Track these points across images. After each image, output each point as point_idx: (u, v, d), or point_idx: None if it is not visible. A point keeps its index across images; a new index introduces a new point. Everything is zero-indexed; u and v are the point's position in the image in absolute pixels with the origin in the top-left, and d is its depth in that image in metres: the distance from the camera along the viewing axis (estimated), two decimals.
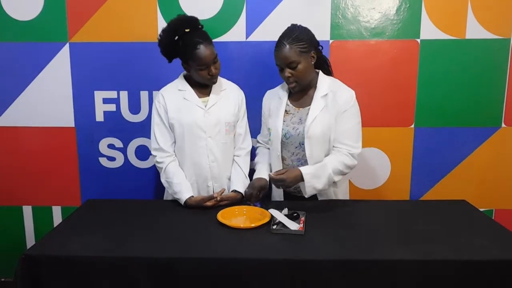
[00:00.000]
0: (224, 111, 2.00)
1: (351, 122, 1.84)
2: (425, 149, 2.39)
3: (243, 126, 2.09)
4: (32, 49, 2.31)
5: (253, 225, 1.65)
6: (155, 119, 2.00)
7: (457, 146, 2.39)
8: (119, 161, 2.44)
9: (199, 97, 1.99)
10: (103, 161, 2.43)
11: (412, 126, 2.36)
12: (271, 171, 1.98)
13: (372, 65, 2.31)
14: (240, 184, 2.01)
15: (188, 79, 1.99)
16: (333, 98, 1.83)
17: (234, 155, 2.09)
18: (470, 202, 1.95)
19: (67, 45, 2.30)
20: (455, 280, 1.38)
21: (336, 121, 1.83)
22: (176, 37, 1.86)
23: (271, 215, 1.69)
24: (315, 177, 1.78)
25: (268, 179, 1.95)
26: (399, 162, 2.42)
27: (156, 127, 2.00)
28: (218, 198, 1.88)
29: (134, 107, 2.37)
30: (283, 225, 1.63)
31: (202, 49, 1.84)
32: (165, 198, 2.12)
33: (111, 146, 2.42)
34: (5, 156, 2.44)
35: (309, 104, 1.88)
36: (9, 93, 2.36)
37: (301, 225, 1.63)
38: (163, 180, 2.01)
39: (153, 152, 2.02)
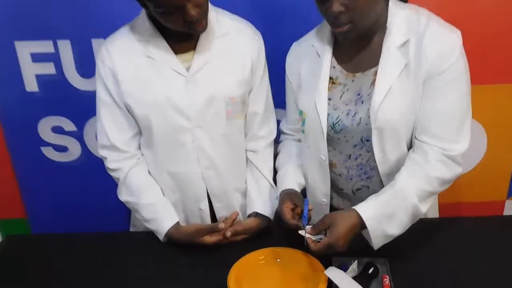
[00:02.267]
0: (224, 77, 1.08)
1: (451, 95, 0.94)
2: None
3: (262, 98, 1.17)
4: None
5: None
6: (99, 94, 1.11)
7: None
8: (73, 152, 1.59)
9: (177, 52, 1.06)
10: (49, 153, 1.59)
11: None
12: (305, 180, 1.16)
13: None
14: (263, 201, 1.16)
15: (156, 19, 1.04)
16: (419, 47, 0.94)
17: (247, 151, 1.20)
18: None
19: None
20: None
21: (424, 94, 0.95)
22: None
23: (328, 278, 0.87)
24: (386, 218, 0.92)
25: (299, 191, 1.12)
26: (500, 136, 1.55)
27: (103, 109, 1.11)
28: (228, 234, 1.03)
29: (85, 67, 1.46)
30: None
31: None
32: (132, 223, 1.28)
33: (57, 130, 1.56)
34: None
35: (375, 65, 0.99)
36: None
37: None
38: (123, 198, 1.16)
39: (100, 152, 1.15)
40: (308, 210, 0.98)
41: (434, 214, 1.20)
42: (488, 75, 1.49)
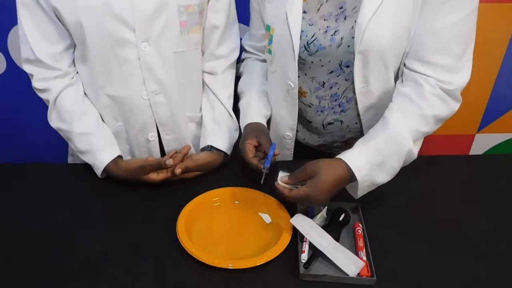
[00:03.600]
0: None
1: (456, 13, 0.77)
2: None
3: (223, 8, 0.98)
4: None
5: (260, 262, 0.71)
6: None
7: None
8: None
9: None
10: None
11: None
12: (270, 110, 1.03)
13: None
14: (220, 132, 1.02)
15: None
16: None
17: (204, 73, 1.04)
18: None
19: None
20: None
21: (422, 11, 0.78)
22: None
23: (293, 227, 0.77)
24: (377, 167, 0.78)
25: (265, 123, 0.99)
26: (480, 66, 1.31)
27: (24, 13, 0.88)
28: (178, 171, 0.90)
29: None
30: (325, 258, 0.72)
31: None
32: (70, 153, 1.10)
33: None
34: None
35: None
36: None
37: (363, 252, 0.73)
38: (54, 125, 0.97)
39: (25, 67, 0.94)
40: (274, 155, 0.84)
41: None
42: None
